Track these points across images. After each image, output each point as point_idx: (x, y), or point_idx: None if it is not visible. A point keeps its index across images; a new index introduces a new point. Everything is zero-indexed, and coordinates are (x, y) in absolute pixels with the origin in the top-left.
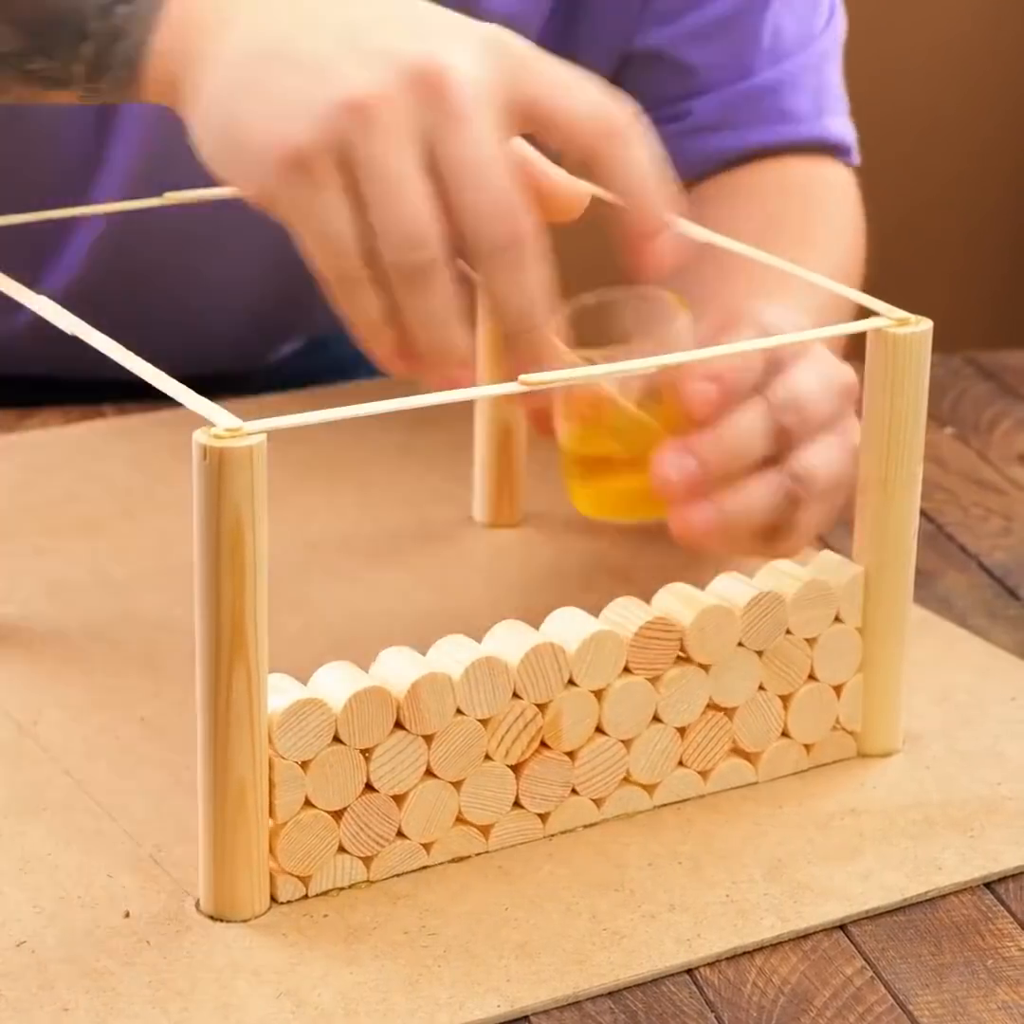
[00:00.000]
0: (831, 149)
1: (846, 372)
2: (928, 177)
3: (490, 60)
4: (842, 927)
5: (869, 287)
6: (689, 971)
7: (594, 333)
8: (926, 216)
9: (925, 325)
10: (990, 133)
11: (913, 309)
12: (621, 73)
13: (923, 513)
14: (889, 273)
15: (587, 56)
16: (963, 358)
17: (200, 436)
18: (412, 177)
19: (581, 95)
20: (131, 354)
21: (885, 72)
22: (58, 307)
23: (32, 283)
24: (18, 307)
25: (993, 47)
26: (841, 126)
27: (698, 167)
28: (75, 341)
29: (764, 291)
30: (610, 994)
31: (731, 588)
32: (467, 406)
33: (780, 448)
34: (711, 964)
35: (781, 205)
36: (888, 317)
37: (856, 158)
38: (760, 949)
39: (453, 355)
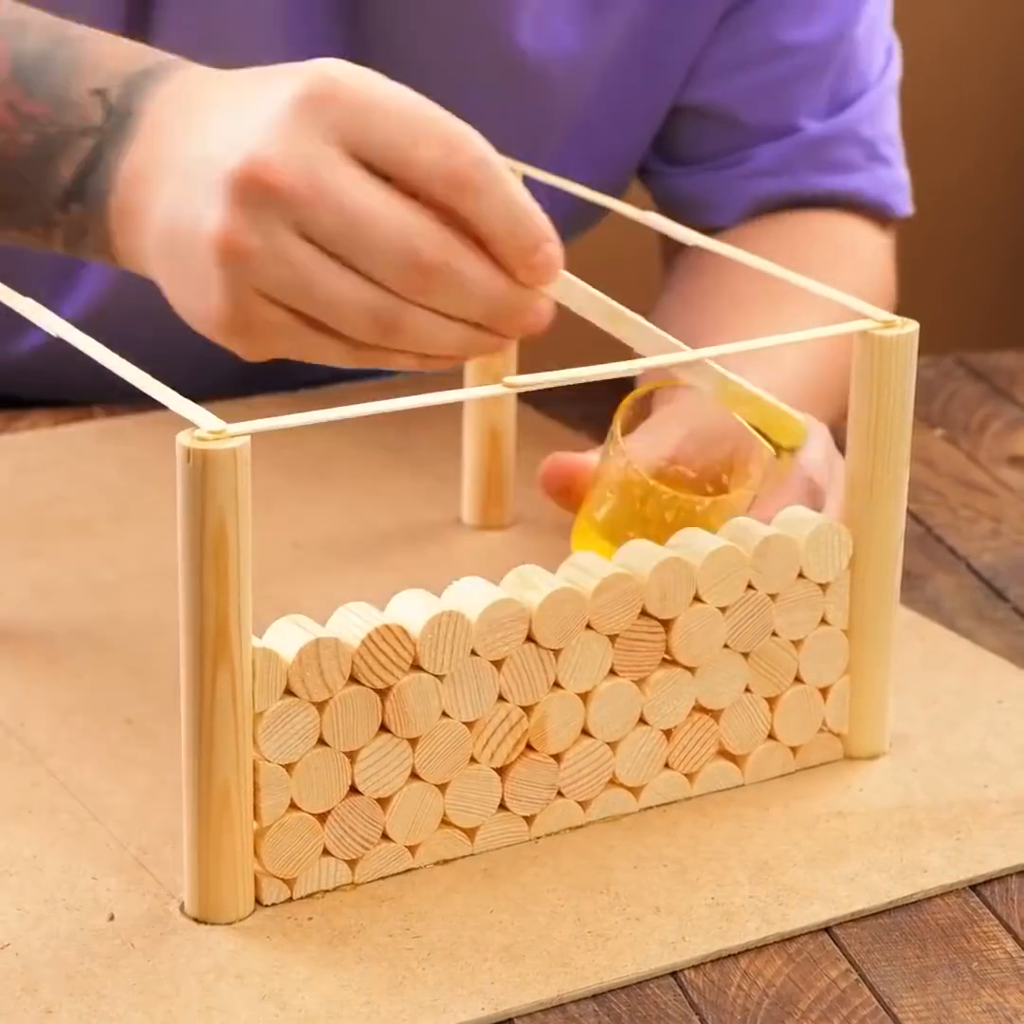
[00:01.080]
0: (877, 204)
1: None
2: (920, 178)
3: (314, 126)
4: (827, 929)
5: None
6: (674, 973)
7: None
8: (918, 217)
9: (911, 327)
10: (983, 135)
11: (905, 310)
12: (670, 121)
13: (912, 515)
14: None
15: (640, 104)
16: (954, 359)
17: (183, 438)
18: (314, 267)
19: (424, 147)
20: (116, 356)
21: None
22: (41, 307)
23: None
24: (21, 332)
25: (987, 50)
26: (889, 177)
27: (745, 210)
28: (78, 366)
29: (775, 325)
30: (594, 996)
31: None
32: (456, 408)
33: None
34: (696, 967)
35: (808, 251)
36: (874, 319)
37: (907, 207)
38: (745, 952)
39: (480, 342)
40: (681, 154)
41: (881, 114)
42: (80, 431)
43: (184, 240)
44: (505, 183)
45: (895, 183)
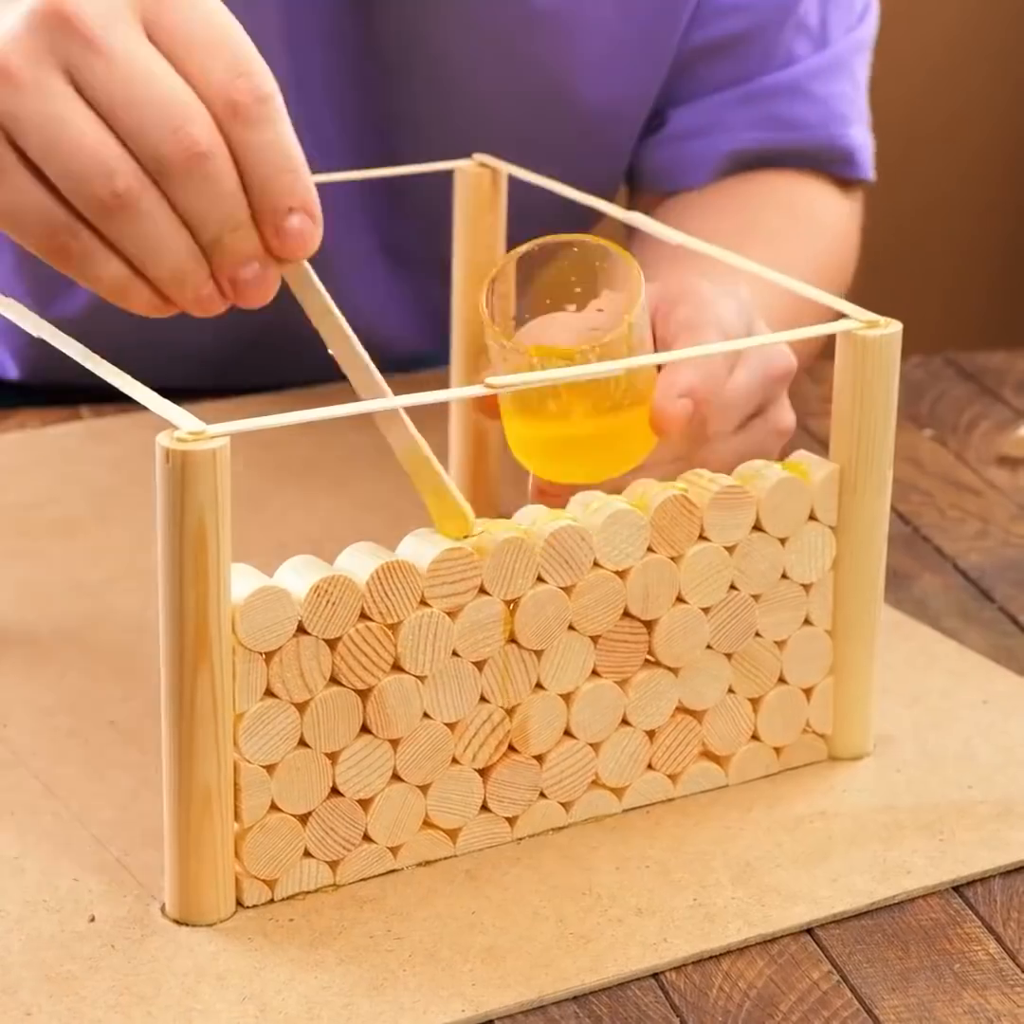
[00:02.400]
0: (834, 159)
1: (781, 356)
2: (916, 179)
3: None
4: (809, 931)
5: (850, 288)
6: (655, 975)
7: (542, 282)
8: (913, 218)
9: (894, 328)
10: (977, 136)
11: (897, 311)
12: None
13: (900, 515)
14: (871, 275)
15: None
16: (943, 359)
17: (163, 439)
18: (68, 114)
19: (216, 56)
20: (97, 357)
21: (874, 76)
22: (23, 308)
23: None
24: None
25: (982, 53)
26: (849, 138)
27: (690, 174)
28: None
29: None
30: (575, 998)
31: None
32: (442, 408)
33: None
34: (677, 968)
35: (765, 214)
36: (857, 320)
37: (867, 172)
38: (727, 953)
39: (195, 273)
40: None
41: (840, 73)
42: (67, 432)
43: None
44: (282, 130)
45: (853, 145)
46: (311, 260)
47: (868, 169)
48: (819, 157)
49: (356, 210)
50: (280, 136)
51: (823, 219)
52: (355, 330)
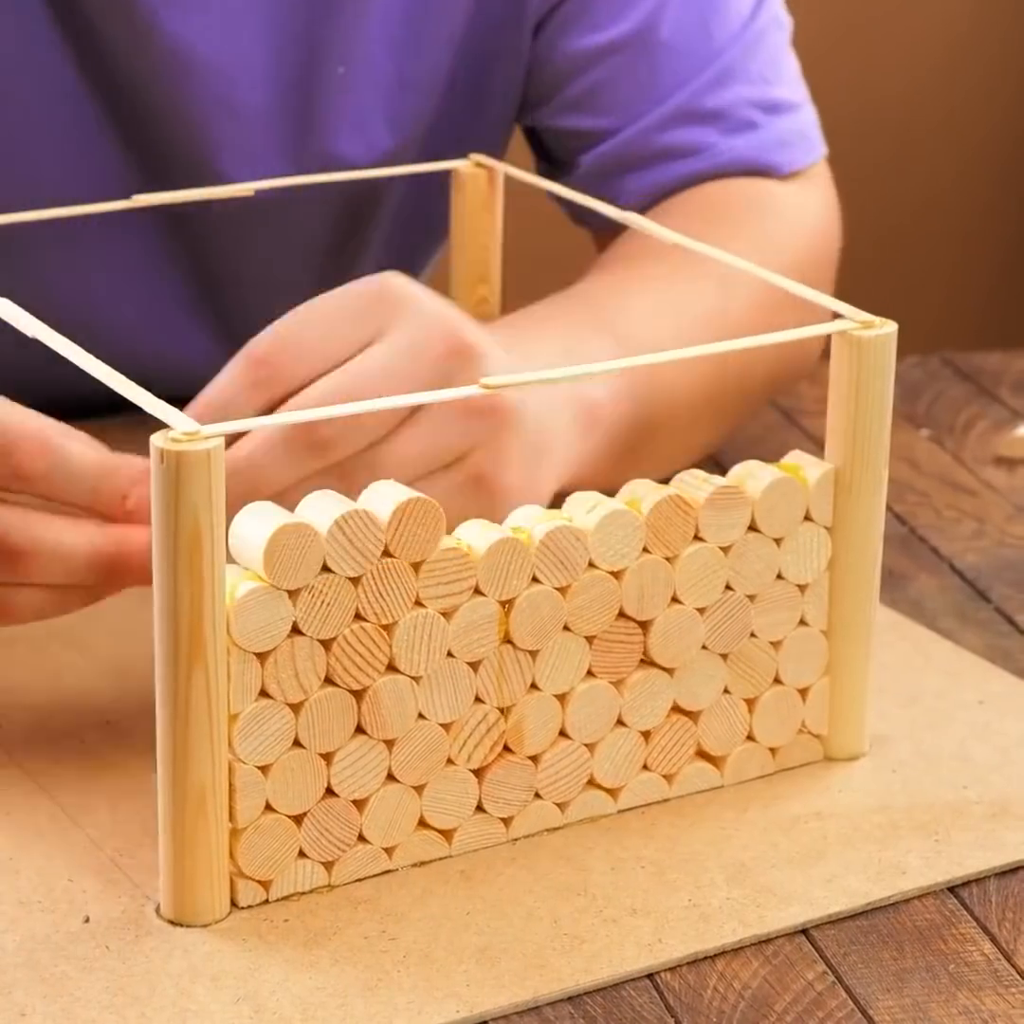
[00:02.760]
0: (758, 168)
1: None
2: (913, 179)
3: None
4: (804, 931)
5: (844, 288)
6: (650, 976)
7: None
8: (910, 218)
9: (890, 328)
10: (974, 135)
11: (895, 311)
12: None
13: (897, 515)
14: (868, 274)
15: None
16: (940, 359)
17: (157, 439)
18: None
19: None
20: (92, 357)
21: (870, 75)
22: (18, 309)
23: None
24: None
25: (979, 55)
26: (751, 145)
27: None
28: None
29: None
30: (570, 999)
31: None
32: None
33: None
34: (672, 969)
35: (707, 222)
36: (853, 320)
37: (807, 156)
38: (722, 954)
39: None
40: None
41: (733, 78)
42: None
43: None
44: (64, 461)
45: (767, 143)
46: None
47: (809, 152)
48: (741, 170)
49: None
50: (66, 467)
51: (774, 209)
52: None
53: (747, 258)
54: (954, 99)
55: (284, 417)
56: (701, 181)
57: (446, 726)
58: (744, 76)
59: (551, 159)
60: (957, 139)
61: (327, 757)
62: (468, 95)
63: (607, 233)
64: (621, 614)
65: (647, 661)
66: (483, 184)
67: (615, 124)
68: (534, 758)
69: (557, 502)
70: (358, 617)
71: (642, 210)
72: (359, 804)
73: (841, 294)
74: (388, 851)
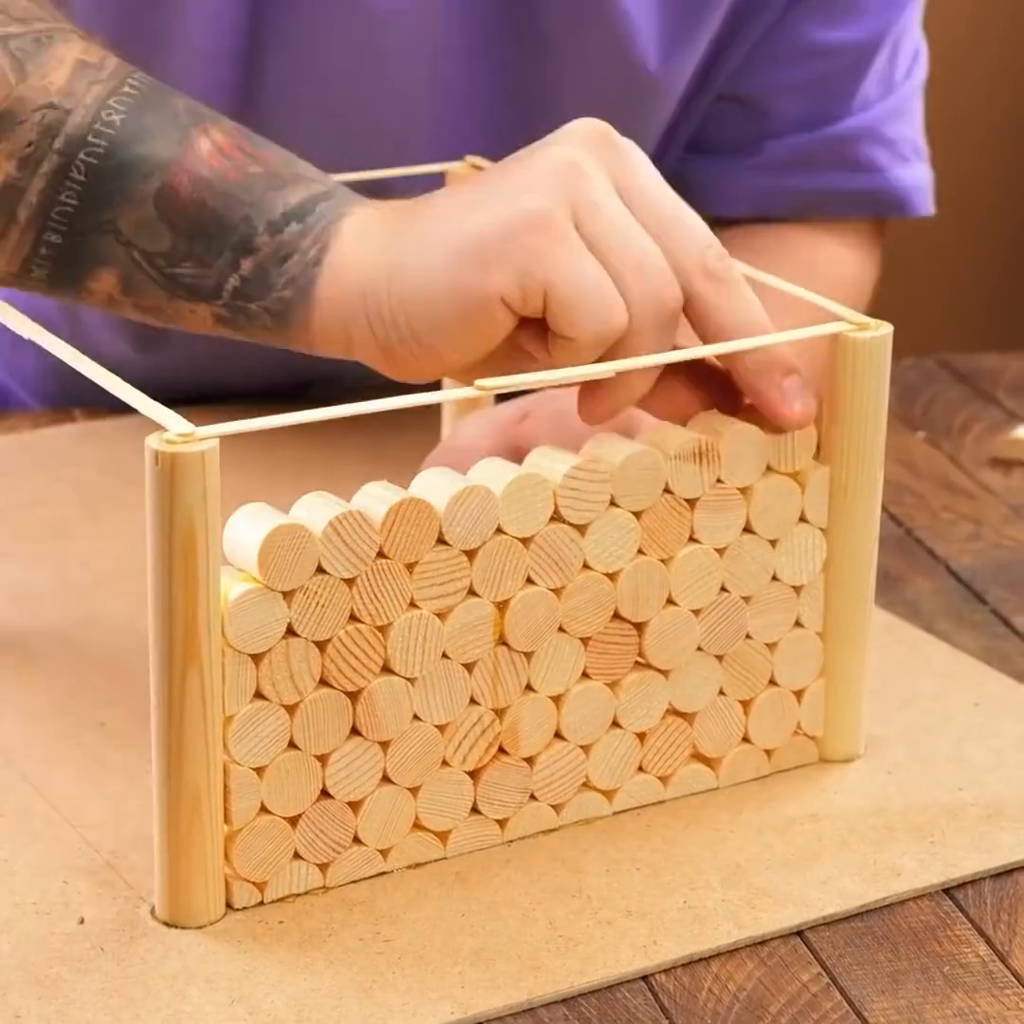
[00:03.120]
0: (893, 203)
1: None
2: None
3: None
4: (799, 933)
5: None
6: (644, 977)
7: None
8: (905, 220)
9: (885, 330)
10: (974, 139)
11: (892, 312)
12: (693, 104)
13: (893, 517)
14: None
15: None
16: (937, 361)
17: (152, 441)
18: (632, 220)
19: (681, 224)
20: (87, 359)
21: None
22: (12, 309)
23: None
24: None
25: (981, 58)
26: (911, 177)
27: (752, 202)
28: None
29: None
30: (565, 1001)
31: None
32: (433, 411)
33: None
34: (667, 971)
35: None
36: (849, 322)
37: (923, 209)
38: (716, 955)
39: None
40: (704, 141)
41: (904, 116)
42: (59, 434)
43: (508, 179)
44: (750, 293)
45: (916, 184)
46: None
47: (925, 206)
48: (880, 200)
49: None
50: (751, 298)
51: (834, 280)
52: None
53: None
54: (955, 101)
55: (288, 419)
56: (862, 200)
57: (441, 728)
58: (909, 116)
59: (712, 143)
60: (955, 142)
61: (322, 759)
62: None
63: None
64: (616, 616)
65: (642, 663)
66: None
67: (809, 120)
68: (529, 760)
69: None
70: (353, 618)
71: (769, 209)
72: (354, 806)
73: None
74: (383, 853)
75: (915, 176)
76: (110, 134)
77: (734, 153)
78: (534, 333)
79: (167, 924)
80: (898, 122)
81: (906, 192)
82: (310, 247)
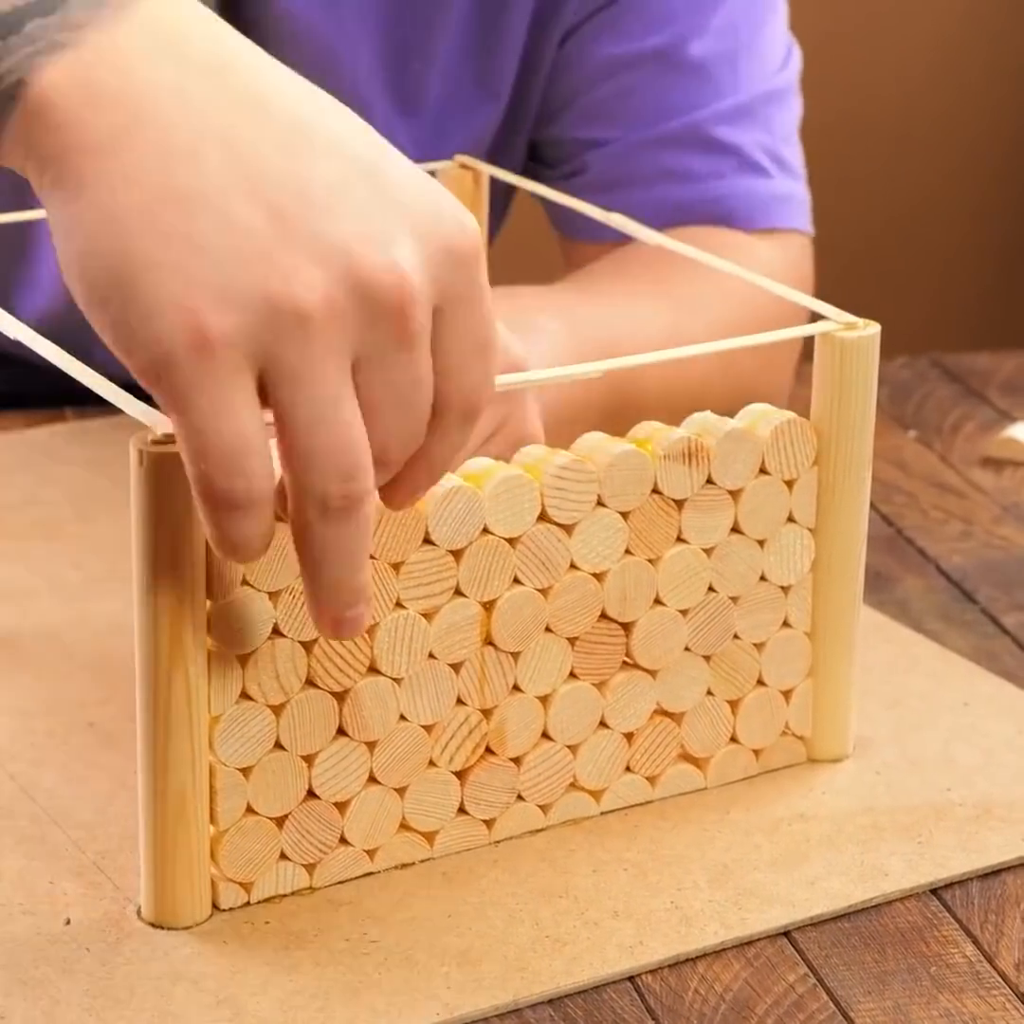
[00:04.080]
0: (739, 212)
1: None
2: (905, 181)
3: (438, 273)
4: (786, 934)
5: (834, 288)
6: (631, 978)
7: None
8: (902, 220)
9: (873, 329)
10: (966, 137)
11: (886, 312)
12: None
13: (883, 516)
14: (858, 275)
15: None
16: (929, 360)
17: (136, 442)
18: (347, 399)
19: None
20: (73, 359)
21: (861, 76)
22: (2, 312)
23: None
24: None
25: (972, 57)
26: (759, 188)
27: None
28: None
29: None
30: (551, 1002)
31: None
32: None
33: None
34: (653, 971)
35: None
36: (836, 321)
37: (790, 221)
38: (703, 956)
39: (362, 593)
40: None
41: (748, 120)
42: (50, 433)
43: (234, 235)
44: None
45: (776, 192)
46: None
47: (793, 219)
48: (730, 209)
49: None
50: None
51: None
52: None
53: (710, 298)
54: (945, 101)
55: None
56: (697, 212)
57: (428, 728)
58: (763, 122)
59: (556, 175)
60: (947, 141)
61: (308, 759)
62: (517, 103)
63: (582, 244)
64: (603, 616)
65: (630, 663)
66: (468, 185)
67: (623, 134)
68: (516, 760)
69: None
70: None
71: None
72: (341, 806)
73: (831, 294)
74: (370, 853)
75: (766, 187)
76: None
77: (570, 175)
78: None
79: (153, 925)
80: (741, 126)
81: (751, 202)
82: (35, 47)
